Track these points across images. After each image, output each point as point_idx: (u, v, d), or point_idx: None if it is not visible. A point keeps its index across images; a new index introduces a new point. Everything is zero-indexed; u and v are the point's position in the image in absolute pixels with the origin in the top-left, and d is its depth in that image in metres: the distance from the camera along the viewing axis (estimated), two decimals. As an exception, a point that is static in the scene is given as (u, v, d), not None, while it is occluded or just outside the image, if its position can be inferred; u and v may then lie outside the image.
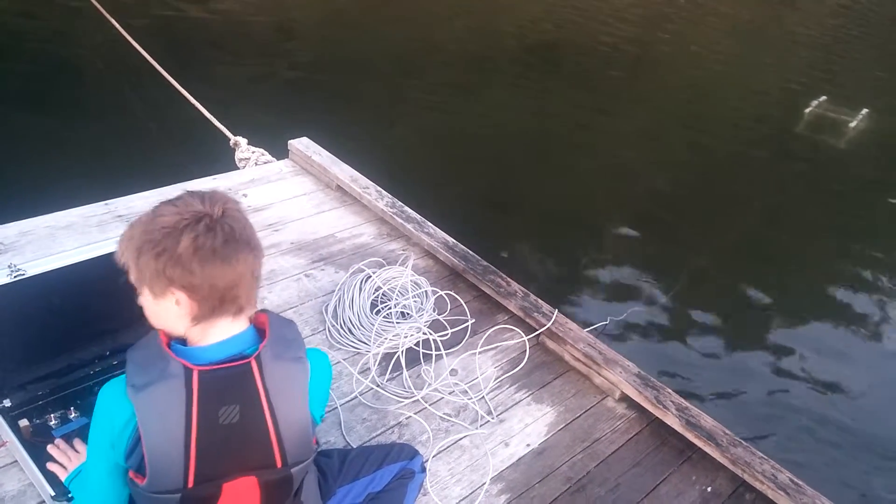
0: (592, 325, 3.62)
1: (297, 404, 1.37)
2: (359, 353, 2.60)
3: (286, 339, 1.39)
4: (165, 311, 1.31)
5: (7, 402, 1.96)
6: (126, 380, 1.27)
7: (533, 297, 2.97)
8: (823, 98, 8.04)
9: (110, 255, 2.00)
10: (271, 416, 1.32)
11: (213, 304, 1.29)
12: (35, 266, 1.92)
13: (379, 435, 2.31)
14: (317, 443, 1.45)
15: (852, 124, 7.59)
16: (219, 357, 1.32)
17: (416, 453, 1.93)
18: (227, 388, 1.30)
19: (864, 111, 7.87)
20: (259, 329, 1.40)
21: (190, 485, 1.29)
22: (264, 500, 1.39)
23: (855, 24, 11.36)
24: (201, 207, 1.27)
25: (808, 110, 7.76)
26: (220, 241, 1.25)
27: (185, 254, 1.23)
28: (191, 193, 1.32)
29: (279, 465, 1.36)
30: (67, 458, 1.82)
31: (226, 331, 1.34)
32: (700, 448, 2.43)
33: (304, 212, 3.40)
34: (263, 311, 1.42)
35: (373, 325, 2.67)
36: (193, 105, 4.57)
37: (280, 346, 1.36)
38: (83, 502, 1.48)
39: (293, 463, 1.38)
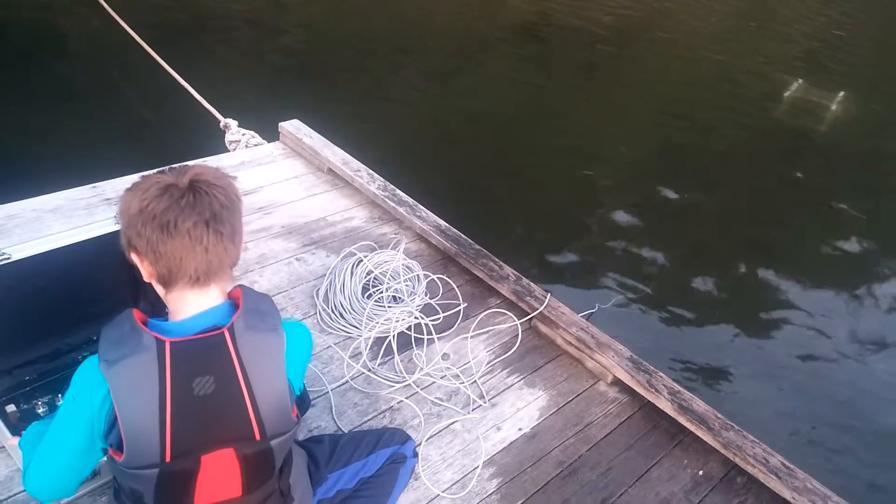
0: (585, 308, 3.61)
1: (272, 374, 1.35)
2: (350, 337, 2.59)
3: (260, 311, 1.38)
4: (141, 271, 1.35)
5: (-7, 388, 1.94)
6: (99, 356, 1.27)
7: (525, 280, 2.96)
8: (800, 81, 8.06)
9: (98, 238, 2.00)
10: (246, 387, 1.31)
11: (163, 271, 1.30)
12: (21, 250, 1.89)
13: (370, 419, 2.30)
14: (297, 416, 1.43)
15: (832, 107, 7.63)
16: (192, 330, 1.32)
17: (407, 438, 1.93)
18: (201, 358, 1.30)
19: (841, 94, 7.90)
20: (235, 304, 1.39)
21: (167, 459, 1.27)
22: (244, 474, 1.37)
23: (839, 9, 11.34)
24: (170, 177, 1.30)
25: (787, 94, 7.78)
26: (162, 207, 1.26)
27: (134, 215, 1.27)
28: (179, 165, 1.34)
29: (257, 436, 1.34)
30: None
31: (198, 304, 1.34)
32: (692, 432, 2.43)
33: (294, 195, 3.37)
34: (239, 286, 1.42)
35: (364, 309, 2.66)
36: (183, 87, 4.51)
37: (253, 318, 1.36)
38: (41, 474, 1.40)
39: (272, 435, 1.36)
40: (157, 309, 2.15)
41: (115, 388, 1.24)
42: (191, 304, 1.34)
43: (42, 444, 1.39)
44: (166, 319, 1.37)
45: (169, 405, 1.25)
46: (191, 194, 1.28)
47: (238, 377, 1.31)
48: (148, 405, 1.25)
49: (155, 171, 1.34)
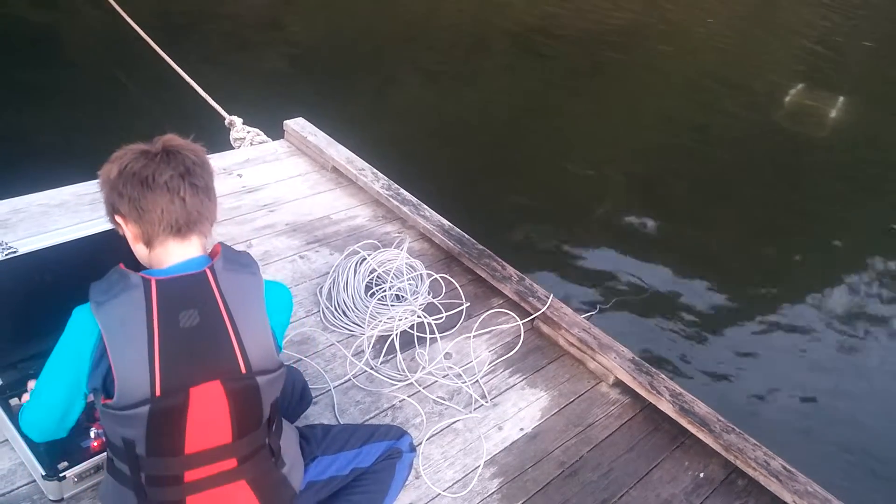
0: (587, 309, 3.62)
1: (254, 311, 1.42)
2: (353, 335, 2.59)
3: (239, 260, 1.47)
4: (127, 238, 1.45)
5: (-2, 381, 1.95)
6: (90, 301, 1.34)
7: (528, 281, 2.96)
8: (801, 86, 8.06)
9: (103, 233, 2.00)
10: (229, 319, 1.38)
11: (146, 227, 1.40)
12: (27, 244, 1.90)
13: (372, 418, 2.31)
14: (281, 364, 1.48)
15: (832, 114, 7.62)
16: (176, 272, 1.41)
17: (403, 433, 1.92)
18: (185, 293, 1.38)
19: (841, 99, 7.89)
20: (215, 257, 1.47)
21: (157, 393, 1.32)
22: (233, 411, 1.41)
23: (844, 15, 11.33)
24: (144, 145, 1.42)
25: (787, 99, 7.78)
26: (140, 165, 1.37)
27: (114, 178, 1.39)
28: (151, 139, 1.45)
29: (243, 369, 1.39)
30: None
31: (180, 253, 1.43)
32: (693, 434, 2.44)
33: (299, 193, 3.38)
34: (220, 243, 1.49)
35: (367, 307, 2.66)
36: (188, 84, 4.52)
37: (232, 263, 1.45)
38: (28, 412, 1.51)
39: (257, 370, 1.41)
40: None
41: (106, 325, 1.31)
42: (173, 254, 1.42)
43: (34, 388, 1.48)
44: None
45: (157, 338, 1.32)
46: (165, 153, 1.40)
47: (221, 310, 1.38)
48: (137, 339, 1.31)
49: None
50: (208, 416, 1.39)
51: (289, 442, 1.64)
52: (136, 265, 1.44)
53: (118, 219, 1.43)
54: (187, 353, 1.35)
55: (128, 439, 1.36)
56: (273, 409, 1.51)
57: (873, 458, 3.62)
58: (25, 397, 1.83)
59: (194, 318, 1.35)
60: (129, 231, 1.43)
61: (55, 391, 1.43)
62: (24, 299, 1.92)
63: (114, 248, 1.78)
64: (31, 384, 1.80)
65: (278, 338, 1.51)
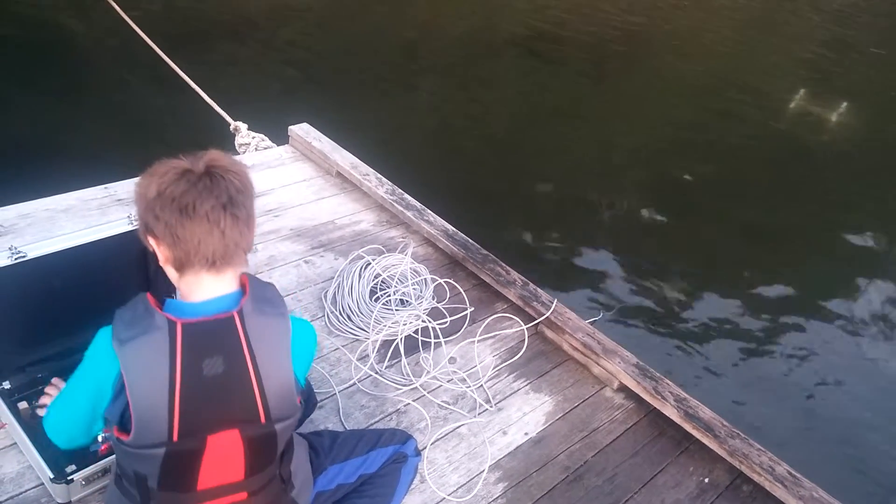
0: (591, 314, 3.61)
1: (279, 358, 1.38)
2: (357, 339, 2.60)
3: (267, 297, 1.42)
4: (158, 255, 1.37)
5: (7, 385, 1.96)
6: (112, 335, 1.29)
7: (532, 286, 2.97)
8: (803, 91, 8.07)
9: (110, 238, 2.02)
10: (254, 368, 1.34)
11: (179, 255, 1.32)
12: (35, 249, 1.92)
13: (377, 422, 2.31)
14: (301, 403, 1.46)
15: (833, 118, 7.63)
16: (204, 313, 1.34)
17: (408, 437, 1.93)
18: (211, 339, 1.32)
19: (844, 104, 7.90)
20: (243, 290, 1.42)
21: (175, 438, 1.30)
22: (248, 455, 1.39)
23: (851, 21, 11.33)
24: (186, 162, 1.32)
25: (792, 105, 7.78)
26: (180, 190, 1.28)
27: (151, 199, 1.29)
28: (193, 153, 1.36)
29: (263, 419, 1.36)
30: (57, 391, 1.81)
31: (212, 289, 1.36)
32: (698, 439, 2.44)
33: (303, 198, 3.39)
34: (245, 274, 1.45)
35: (372, 312, 2.67)
36: (193, 89, 4.54)
37: (261, 303, 1.39)
38: (52, 424, 1.51)
39: (277, 418, 1.38)
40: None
41: (127, 366, 1.27)
42: (205, 288, 1.36)
43: (56, 399, 1.49)
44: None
45: (179, 385, 1.28)
46: (207, 178, 1.30)
47: (246, 358, 1.33)
48: (158, 384, 1.27)
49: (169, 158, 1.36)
50: (223, 459, 1.37)
51: (299, 462, 1.62)
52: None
53: (150, 239, 1.35)
54: (208, 402, 1.32)
55: (140, 473, 1.35)
56: (287, 443, 1.50)
57: (879, 464, 3.61)
58: (44, 399, 1.85)
59: (218, 366, 1.31)
60: (161, 253, 1.35)
61: (73, 417, 1.43)
62: (32, 303, 1.93)
63: (120, 253, 1.80)
64: (47, 400, 1.82)
65: (301, 378, 1.48)
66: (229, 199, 1.31)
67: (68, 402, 1.44)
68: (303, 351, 1.48)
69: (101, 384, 1.32)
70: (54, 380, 1.89)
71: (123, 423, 1.30)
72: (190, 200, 1.28)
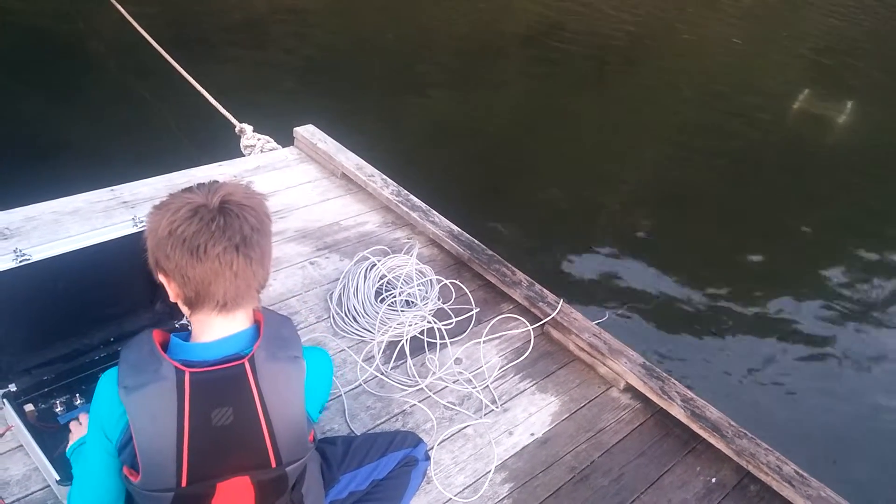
0: (597, 314, 3.61)
1: (291, 404, 1.34)
2: (363, 340, 2.60)
3: (282, 337, 1.36)
4: (168, 292, 1.33)
5: (12, 387, 1.97)
6: (118, 380, 1.25)
7: (538, 286, 2.96)
8: (807, 91, 8.04)
9: (115, 241, 2.02)
10: (265, 418, 1.30)
11: (190, 294, 1.28)
12: (41, 251, 1.92)
13: (383, 423, 2.31)
14: (313, 440, 1.44)
15: (840, 119, 7.60)
16: (214, 357, 1.30)
17: (419, 441, 1.94)
18: (220, 390, 1.28)
19: (850, 103, 7.87)
20: (257, 329, 1.38)
21: (183, 484, 1.28)
22: (258, 497, 1.38)
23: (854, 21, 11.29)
24: (200, 196, 1.26)
25: (796, 105, 7.76)
26: (192, 230, 1.23)
27: (163, 238, 1.24)
28: (209, 182, 1.31)
29: (273, 465, 1.34)
30: (81, 430, 1.78)
31: (223, 329, 1.32)
32: (705, 439, 2.42)
33: (309, 199, 3.39)
34: (261, 308, 1.40)
35: (377, 313, 2.67)
36: (199, 92, 4.56)
37: (275, 346, 1.34)
38: (77, 474, 1.47)
39: (287, 462, 1.36)
40: (175, 311, 2.18)
41: (133, 415, 1.24)
42: (216, 329, 1.32)
43: (76, 466, 1.42)
44: (188, 334, 1.36)
45: (187, 435, 1.25)
46: (221, 217, 1.24)
47: (257, 409, 1.29)
48: (166, 434, 1.24)
49: (183, 189, 1.31)
50: (233, 502, 1.36)
51: (311, 481, 1.58)
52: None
53: (161, 275, 1.31)
54: (217, 451, 1.29)
55: None
56: (299, 475, 1.47)
57: (888, 463, 3.59)
58: (72, 437, 1.78)
59: (228, 416, 1.27)
60: (171, 290, 1.31)
61: (100, 458, 1.36)
62: (37, 306, 1.94)
63: (126, 256, 1.79)
64: (73, 436, 1.77)
65: (315, 414, 1.46)
66: (242, 238, 1.25)
67: (87, 467, 1.39)
68: (318, 386, 1.45)
69: (109, 435, 1.30)
70: (80, 416, 1.85)
71: (134, 465, 1.28)
72: (202, 242, 1.22)
